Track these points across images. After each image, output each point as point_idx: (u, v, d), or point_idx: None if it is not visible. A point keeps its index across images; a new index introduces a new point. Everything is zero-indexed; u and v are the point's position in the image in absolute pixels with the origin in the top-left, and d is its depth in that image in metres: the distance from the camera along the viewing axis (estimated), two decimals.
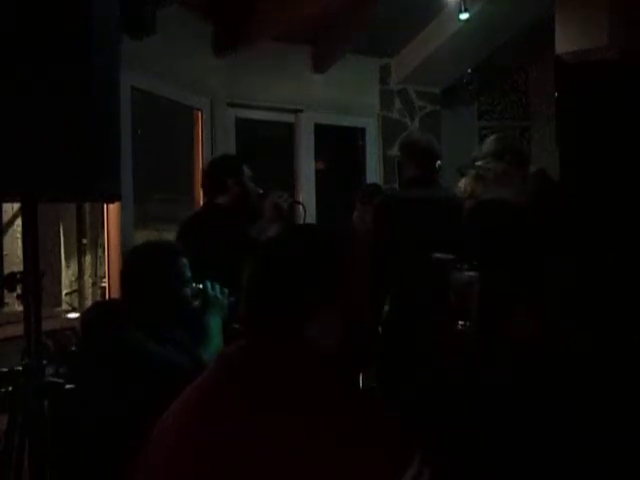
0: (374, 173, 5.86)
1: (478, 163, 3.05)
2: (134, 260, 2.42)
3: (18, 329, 2.05)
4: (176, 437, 1.20)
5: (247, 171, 3.29)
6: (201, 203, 4.22)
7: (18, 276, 1.92)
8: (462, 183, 3.07)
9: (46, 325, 2.00)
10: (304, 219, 3.23)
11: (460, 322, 2.22)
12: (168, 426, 1.24)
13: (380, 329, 3.18)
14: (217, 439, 1.14)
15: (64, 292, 3.79)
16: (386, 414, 1.17)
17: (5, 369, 2.02)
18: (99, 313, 2.44)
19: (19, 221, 3.36)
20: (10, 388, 1.90)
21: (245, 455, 1.10)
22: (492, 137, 3.26)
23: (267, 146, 5.65)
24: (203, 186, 3.47)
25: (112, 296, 3.92)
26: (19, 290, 1.92)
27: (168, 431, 1.23)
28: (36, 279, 1.90)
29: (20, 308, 2.04)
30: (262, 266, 1.28)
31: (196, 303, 2.46)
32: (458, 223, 3.28)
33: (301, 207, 3.32)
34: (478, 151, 3.15)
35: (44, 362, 1.90)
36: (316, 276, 1.24)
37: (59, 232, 3.76)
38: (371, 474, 1.08)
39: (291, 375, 1.18)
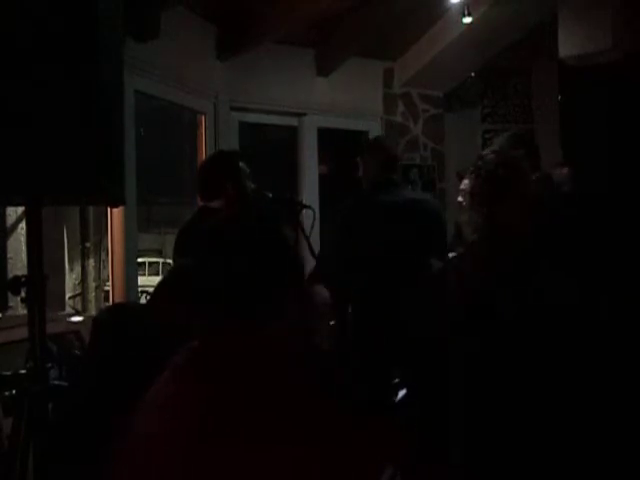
0: None
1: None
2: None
3: (22, 332, 2.06)
4: (157, 432, 1.19)
5: (244, 168, 3.15)
6: None
7: (22, 279, 1.92)
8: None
9: (49, 328, 2.00)
10: (313, 223, 3.21)
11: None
12: (147, 420, 1.23)
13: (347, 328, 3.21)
14: (194, 436, 1.13)
15: (68, 295, 3.80)
16: (361, 414, 1.17)
17: (9, 372, 2.03)
18: (113, 320, 2.39)
19: (23, 224, 3.37)
20: (14, 391, 1.90)
21: (218, 452, 1.10)
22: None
23: (270, 149, 5.66)
24: (199, 189, 3.22)
25: (115, 300, 3.93)
26: (23, 293, 1.92)
27: (148, 425, 1.22)
28: (40, 282, 1.90)
29: (24, 311, 2.05)
30: (227, 267, 1.26)
31: None
32: (425, 224, 3.32)
33: (311, 211, 3.29)
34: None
35: (48, 365, 1.90)
36: (283, 274, 1.25)
37: (63, 236, 3.76)
38: (346, 473, 1.08)
39: (261, 374, 1.18)
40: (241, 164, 3.16)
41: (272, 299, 1.24)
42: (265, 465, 1.08)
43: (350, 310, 3.25)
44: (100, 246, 3.96)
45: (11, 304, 3.35)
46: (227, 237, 1.31)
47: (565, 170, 4.42)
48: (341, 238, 3.36)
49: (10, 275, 3.30)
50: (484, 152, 2.41)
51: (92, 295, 3.94)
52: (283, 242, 1.30)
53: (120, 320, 2.28)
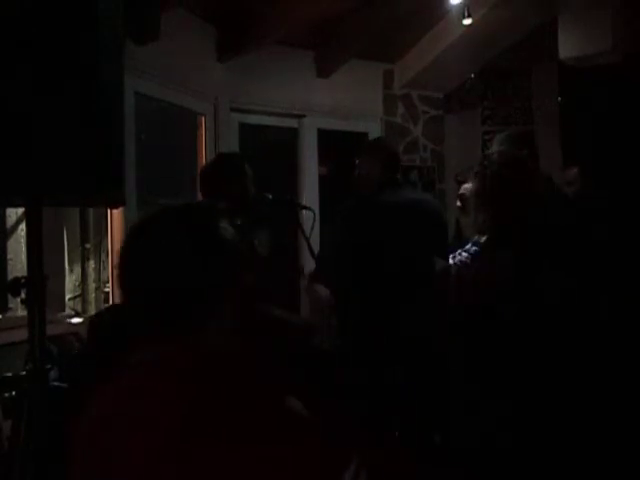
0: None
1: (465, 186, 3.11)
2: None
3: (22, 334, 2.06)
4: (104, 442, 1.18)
5: (249, 171, 3.12)
6: None
7: (22, 281, 1.92)
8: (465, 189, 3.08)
9: (49, 330, 2.00)
10: (313, 224, 3.20)
11: None
12: (124, 419, 1.22)
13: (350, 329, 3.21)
14: (175, 436, 1.11)
15: (67, 297, 3.80)
16: (323, 414, 1.16)
17: (9, 374, 2.02)
18: (109, 321, 2.39)
19: (23, 226, 3.36)
20: (14, 393, 1.90)
21: (200, 452, 1.09)
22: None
23: (270, 151, 5.65)
24: (202, 190, 3.20)
25: (115, 301, 3.92)
26: (23, 295, 1.92)
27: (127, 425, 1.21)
28: (40, 284, 1.90)
29: (24, 313, 2.04)
30: (157, 272, 1.21)
31: None
32: (427, 224, 3.33)
33: (311, 212, 3.28)
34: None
35: (48, 367, 1.90)
36: (216, 275, 1.21)
37: (62, 237, 3.76)
38: (304, 474, 1.08)
39: (207, 375, 1.17)
40: (246, 167, 3.15)
41: (205, 301, 1.20)
42: (246, 465, 1.07)
43: (352, 310, 3.24)
44: (100, 247, 3.95)
45: (11, 305, 3.35)
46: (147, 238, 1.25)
47: (573, 171, 4.43)
48: (343, 239, 3.36)
49: (10, 276, 3.30)
50: (489, 152, 2.41)
51: (92, 296, 3.93)
52: (215, 241, 1.24)
53: (117, 321, 2.29)
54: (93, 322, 2.47)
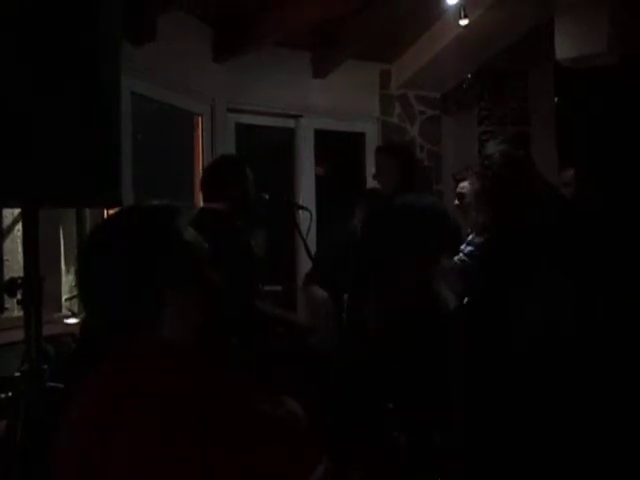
0: None
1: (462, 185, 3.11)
2: None
3: (18, 334, 2.05)
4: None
5: (250, 173, 3.14)
6: None
7: (18, 281, 1.92)
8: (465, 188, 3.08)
9: (46, 330, 2.00)
10: (309, 224, 3.20)
11: None
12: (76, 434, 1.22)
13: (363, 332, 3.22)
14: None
15: (64, 297, 3.79)
16: (293, 413, 1.16)
17: (5, 375, 2.02)
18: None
19: (19, 226, 3.36)
20: (10, 393, 1.90)
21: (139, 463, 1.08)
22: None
23: (267, 151, 5.65)
24: (203, 190, 3.22)
25: None
26: (19, 295, 1.92)
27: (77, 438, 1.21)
28: (36, 284, 1.90)
29: (20, 313, 2.04)
30: (106, 266, 1.21)
31: None
32: (441, 227, 3.34)
33: (307, 212, 3.29)
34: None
35: (44, 367, 1.90)
36: (167, 263, 1.21)
37: (59, 237, 3.75)
38: (273, 473, 1.07)
39: (160, 374, 1.16)
40: (247, 170, 3.16)
41: (167, 302, 1.20)
42: (206, 466, 1.06)
43: (369, 310, 3.25)
44: None
45: (7, 306, 3.34)
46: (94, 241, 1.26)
47: (570, 172, 4.44)
48: (361, 241, 3.36)
49: (6, 277, 3.29)
50: (490, 152, 2.41)
51: None
52: (175, 242, 1.24)
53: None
54: (86, 323, 2.46)
